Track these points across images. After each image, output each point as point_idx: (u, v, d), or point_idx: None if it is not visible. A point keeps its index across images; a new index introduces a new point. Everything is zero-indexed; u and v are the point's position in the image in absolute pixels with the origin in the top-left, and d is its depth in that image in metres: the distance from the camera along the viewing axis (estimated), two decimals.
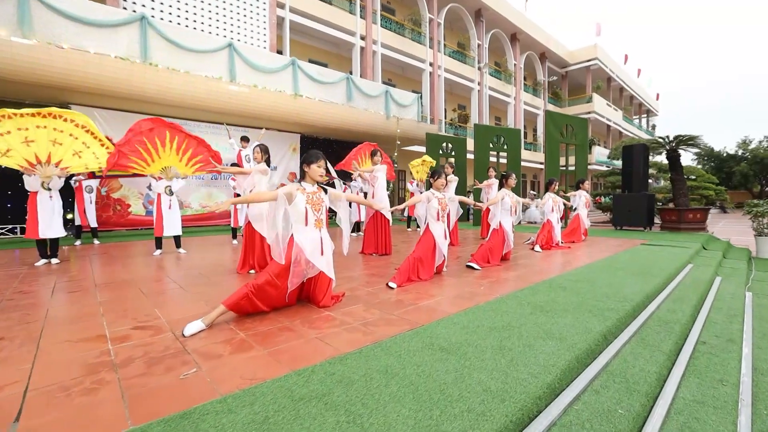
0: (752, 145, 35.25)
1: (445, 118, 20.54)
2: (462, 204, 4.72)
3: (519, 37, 23.11)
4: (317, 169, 2.86)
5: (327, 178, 2.94)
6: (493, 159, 12.33)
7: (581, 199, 7.13)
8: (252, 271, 4.29)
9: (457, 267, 4.51)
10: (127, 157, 5.46)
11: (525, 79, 25.80)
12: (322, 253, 2.86)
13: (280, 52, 12.65)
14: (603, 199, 18.99)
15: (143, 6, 9.34)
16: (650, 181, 16.53)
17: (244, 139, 7.47)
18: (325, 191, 3.01)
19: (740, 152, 35.44)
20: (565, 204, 6.58)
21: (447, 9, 18.53)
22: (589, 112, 26.83)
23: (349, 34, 14.79)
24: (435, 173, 4.11)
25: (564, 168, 10.46)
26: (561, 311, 2.63)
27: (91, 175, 7.10)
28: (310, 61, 14.37)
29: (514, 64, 23.08)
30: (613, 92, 32.16)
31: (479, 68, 20.76)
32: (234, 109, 9.61)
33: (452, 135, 17.05)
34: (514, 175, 4.96)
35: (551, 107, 27.01)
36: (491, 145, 11.55)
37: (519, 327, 2.31)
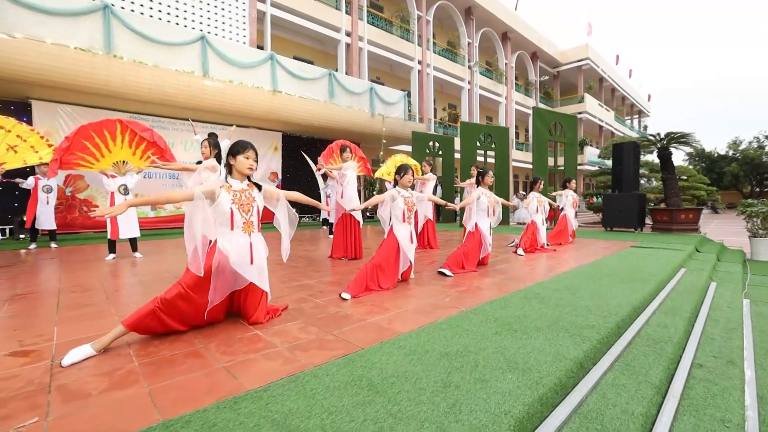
0: (743, 146, 35.38)
1: (435, 117, 20.18)
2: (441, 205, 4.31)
3: (510, 36, 22.84)
4: (245, 161, 2.43)
5: (253, 172, 2.50)
6: (481, 158, 11.97)
7: (568, 199, 6.76)
8: None
9: (429, 273, 4.09)
10: (72, 153, 4.99)
11: (516, 78, 25.54)
12: (251, 262, 2.42)
13: (261, 48, 12.19)
14: (595, 199, 18.72)
15: None
16: (642, 181, 16.27)
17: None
18: (259, 188, 2.57)
19: (731, 153, 35.56)
20: (551, 204, 6.20)
21: (436, 6, 18.19)
22: (581, 113, 26.63)
23: (334, 30, 14.37)
24: (401, 169, 3.70)
25: (553, 167, 10.10)
26: (532, 330, 2.22)
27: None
28: (295, 58, 13.91)
29: (505, 64, 22.80)
30: (605, 92, 32.05)
31: (469, 67, 20.44)
32: (208, 106, 9.14)
33: (441, 134, 16.66)
34: (491, 173, 4.55)
35: (543, 107, 26.78)
36: (479, 144, 11.18)
37: (477, 353, 1.89)
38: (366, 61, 15.32)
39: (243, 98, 9.51)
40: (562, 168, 10.08)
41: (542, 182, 6.02)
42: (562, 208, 6.83)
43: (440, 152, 12.93)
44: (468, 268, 4.14)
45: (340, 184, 5.16)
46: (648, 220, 9.56)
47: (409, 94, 18.12)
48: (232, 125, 8.52)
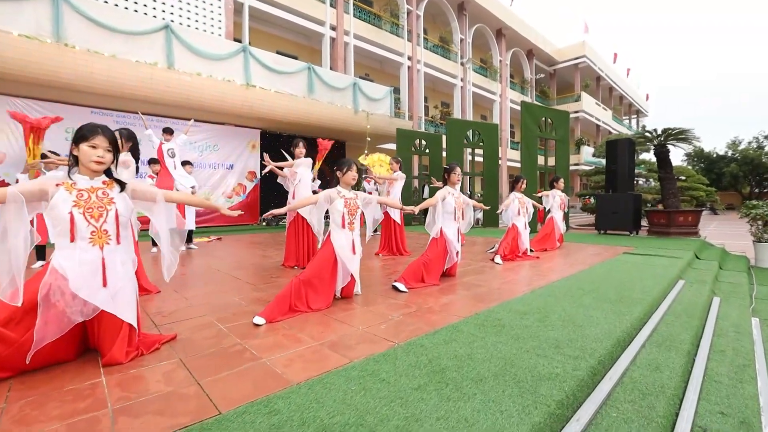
0: (742, 146, 34.87)
1: (426, 115, 19.59)
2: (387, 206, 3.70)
3: (505, 33, 22.28)
4: (89, 152, 1.84)
5: (102, 167, 1.89)
6: (469, 156, 11.38)
7: (555, 200, 6.15)
8: None
9: (385, 287, 3.48)
10: None
11: (512, 76, 24.98)
12: (104, 284, 1.82)
13: (239, 41, 11.58)
14: (592, 200, 18.13)
15: None
16: (641, 181, 15.68)
17: (167, 131, 6.38)
18: (122, 187, 1.96)
19: (730, 153, 35.03)
20: (535, 206, 5.60)
21: (427, 1, 17.60)
22: (578, 111, 26.07)
23: (318, 24, 13.78)
24: (342, 164, 3.09)
25: (543, 165, 9.49)
26: (470, 382, 1.61)
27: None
28: (278, 53, 13.31)
29: (500, 61, 22.23)
30: (603, 91, 31.49)
31: (462, 64, 19.86)
32: (173, 100, 8.53)
33: (432, 132, 16.06)
34: (458, 170, 3.95)
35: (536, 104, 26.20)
36: (466, 142, 10.58)
37: (373, 426, 1.28)
38: (352, 56, 14.73)
39: (213, 92, 8.90)
40: (553, 167, 9.48)
41: (524, 182, 5.42)
42: (549, 210, 6.22)
43: (427, 150, 12.34)
44: (428, 282, 3.53)
45: (291, 183, 4.55)
46: (645, 223, 8.96)
47: (398, 91, 17.55)
48: (190, 119, 7.93)
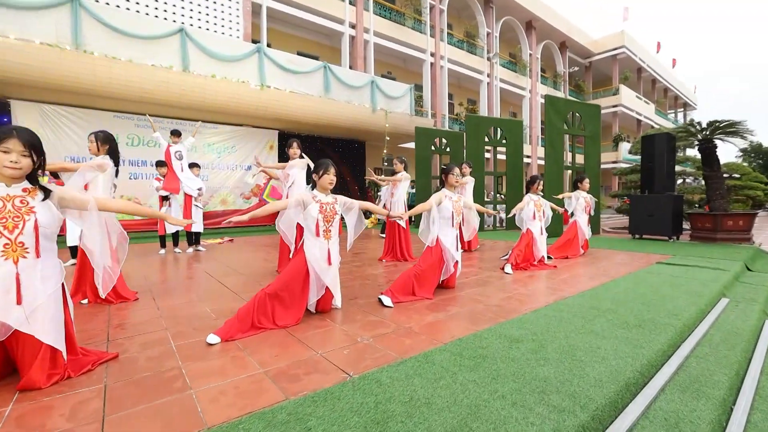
0: None
1: (451, 113, 19.01)
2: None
3: (535, 25, 21.24)
4: (2, 156, 1.65)
5: (13, 172, 1.70)
6: (489, 155, 10.83)
7: (579, 202, 5.58)
8: (84, 301, 3.13)
9: (373, 300, 3.17)
10: None
11: (543, 71, 23.82)
12: (18, 301, 1.64)
13: (257, 42, 11.63)
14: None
15: None
16: (688, 180, 14.35)
17: (175, 134, 6.39)
18: (46, 194, 1.78)
19: None
20: (554, 209, 5.09)
21: None
22: (616, 106, 24.48)
23: (338, 22, 13.63)
24: (319, 166, 2.82)
25: (571, 164, 8.79)
26: None
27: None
28: (299, 54, 13.31)
29: (530, 55, 21.21)
30: (644, 84, 29.40)
31: (489, 59, 19.10)
32: (189, 102, 8.63)
33: (456, 131, 15.50)
34: (457, 170, 3.55)
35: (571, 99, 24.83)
36: (487, 139, 10.03)
37: None
38: (372, 54, 14.47)
39: (227, 94, 8.93)
40: (582, 165, 8.76)
41: (541, 182, 4.91)
42: (572, 213, 5.66)
43: (448, 149, 11.87)
44: (420, 295, 3.18)
45: (284, 185, 4.34)
46: (687, 226, 8.07)
47: (421, 89, 17.13)
48: (198, 122, 7.96)
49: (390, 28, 15.21)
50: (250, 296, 3.28)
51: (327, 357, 2.02)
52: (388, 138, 12.75)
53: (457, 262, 3.46)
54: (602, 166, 23.20)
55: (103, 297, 2.06)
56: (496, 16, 19.39)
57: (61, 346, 1.79)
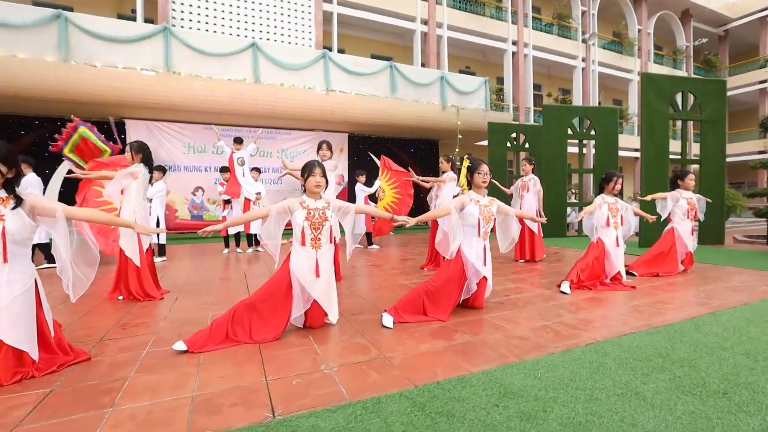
0: None
1: (538, 105, 17.22)
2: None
3: None
4: None
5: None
6: (573, 149, 9.41)
7: (680, 204, 4.34)
8: (120, 297, 3.40)
9: (376, 316, 2.81)
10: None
11: (659, 48, 20.15)
12: None
13: (328, 49, 12.02)
14: None
15: (182, 15, 9.69)
16: None
17: (237, 141, 6.86)
18: (18, 202, 1.85)
19: None
20: (638, 215, 4.04)
21: None
22: (764, 81, 19.44)
23: (408, 20, 13.37)
24: (303, 168, 2.57)
25: (679, 157, 7.07)
26: None
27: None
28: (372, 56, 13.45)
29: (639, 30, 18.09)
30: None
31: (584, 41, 16.81)
32: (261, 111, 9.26)
33: (539, 124, 13.96)
34: (485, 168, 2.94)
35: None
36: (571, 132, 8.70)
37: None
38: (446, 49, 13.86)
39: (295, 101, 9.33)
40: (698, 158, 6.98)
41: (619, 180, 3.91)
42: (667, 219, 4.44)
43: (527, 145, 10.70)
44: (432, 316, 2.70)
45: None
46: None
47: (502, 81, 15.86)
48: (259, 129, 8.42)
49: (466, 19, 14.40)
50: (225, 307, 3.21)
51: (271, 386, 1.75)
52: (461, 136, 12.02)
53: (485, 278, 2.88)
54: (737, 158, 18.69)
55: (74, 301, 2.11)
56: None
57: (25, 347, 1.85)
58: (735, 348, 2.10)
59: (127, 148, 3.49)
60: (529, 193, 5.25)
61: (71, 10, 9.45)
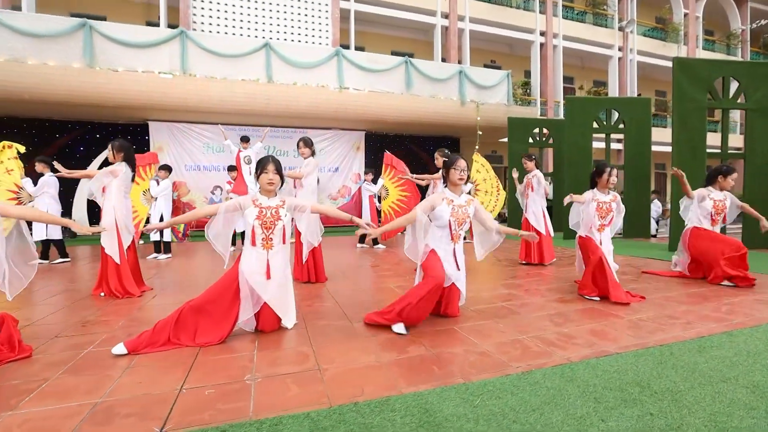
0: None
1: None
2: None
3: None
4: None
5: None
6: (599, 144, 8.73)
7: (705, 205, 3.80)
8: (102, 294, 3.44)
9: (340, 323, 2.63)
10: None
11: (710, 33, 18.46)
12: None
13: (346, 47, 11.95)
14: None
15: (202, 20, 9.96)
16: None
17: (244, 140, 6.91)
18: None
19: None
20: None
21: None
22: None
23: (429, 14, 13.03)
24: (257, 165, 2.44)
25: (721, 151, 6.31)
26: None
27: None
28: (392, 53, 13.27)
29: (685, 15, 16.63)
30: None
31: (621, 28, 15.67)
32: (275, 110, 9.31)
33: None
34: (462, 162, 2.64)
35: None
36: (596, 125, 8.06)
37: None
38: (467, 43, 13.38)
39: (307, 99, 9.31)
40: (741, 152, 6.19)
41: (614, 172, 3.35)
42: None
43: (551, 140, 10.09)
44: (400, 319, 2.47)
45: (298, 187, 4.07)
46: None
47: (530, 74, 15.12)
48: (266, 128, 8.42)
49: (490, 11, 13.84)
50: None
51: (182, 396, 1.62)
52: (480, 132, 11.53)
53: (454, 285, 2.61)
54: None
55: (10, 299, 2.10)
56: None
57: None
58: (739, 379, 1.72)
59: (109, 146, 3.52)
60: (534, 192, 4.84)
61: (104, 19, 10.02)
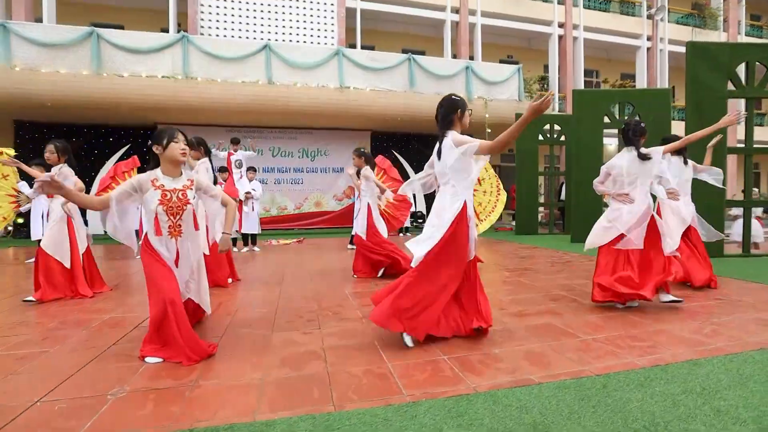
0: None
1: None
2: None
3: None
4: None
5: None
6: (610, 140, 8.09)
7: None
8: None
9: (261, 332, 2.46)
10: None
11: (756, 19, 16.92)
12: None
13: (353, 46, 11.83)
14: None
15: (209, 24, 10.15)
16: None
17: (234, 142, 6.91)
18: None
19: None
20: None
21: None
22: None
23: (438, 10, 12.70)
24: (160, 136, 2.11)
25: (743, 146, 5.62)
26: None
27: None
28: (403, 51, 13.03)
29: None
30: None
31: (650, 16, 14.63)
32: (276, 111, 9.36)
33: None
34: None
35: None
36: (608, 120, 7.48)
37: None
38: (479, 37, 12.92)
39: (308, 99, 9.25)
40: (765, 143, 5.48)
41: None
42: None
43: (563, 137, 9.52)
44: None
45: None
46: None
47: (548, 69, 14.41)
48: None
49: (504, 4, 13.31)
50: None
51: (33, 408, 1.50)
52: (489, 130, 11.06)
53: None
54: None
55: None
56: None
57: None
58: (669, 427, 1.38)
59: (51, 148, 3.46)
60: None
61: (122, 28, 10.42)
